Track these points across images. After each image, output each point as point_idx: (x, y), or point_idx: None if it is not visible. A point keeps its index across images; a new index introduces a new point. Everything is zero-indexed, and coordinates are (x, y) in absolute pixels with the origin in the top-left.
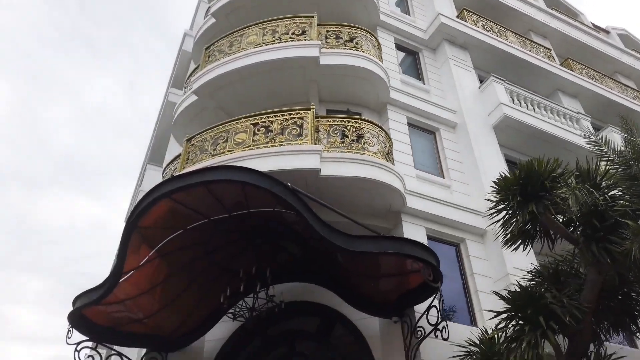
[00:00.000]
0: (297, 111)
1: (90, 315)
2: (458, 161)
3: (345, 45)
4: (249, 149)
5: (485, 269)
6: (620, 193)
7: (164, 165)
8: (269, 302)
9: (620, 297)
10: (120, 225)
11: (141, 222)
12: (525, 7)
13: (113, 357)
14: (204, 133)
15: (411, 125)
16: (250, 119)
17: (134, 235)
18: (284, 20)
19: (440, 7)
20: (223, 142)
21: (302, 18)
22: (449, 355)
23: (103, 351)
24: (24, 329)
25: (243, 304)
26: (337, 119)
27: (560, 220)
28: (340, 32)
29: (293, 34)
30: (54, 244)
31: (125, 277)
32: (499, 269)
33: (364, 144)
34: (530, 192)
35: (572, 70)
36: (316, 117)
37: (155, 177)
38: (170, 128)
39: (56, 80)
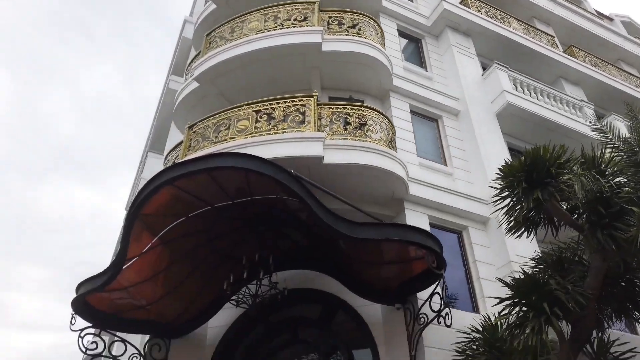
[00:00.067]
0: (300, 98)
1: (94, 302)
2: (461, 149)
3: (348, 32)
4: (252, 136)
5: (488, 256)
6: (625, 180)
7: (166, 153)
8: (272, 289)
9: (623, 283)
10: (120, 214)
11: (144, 210)
12: None
13: (116, 343)
14: (205, 120)
15: (414, 112)
16: (253, 105)
17: (136, 222)
18: (285, 6)
19: None
20: (225, 130)
21: (304, 4)
22: (451, 341)
23: (106, 337)
24: (24, 317)
25: (246, 290)
26: (340, 106)
27: (565, 207)
28: (343, 18)
29: (295, 20)
30: (54, 232)
31: (128, 264)
32: (501, 256)
33: (366, 131)
34: (535, 179)
35: (575, 58)
36: (319, 104)
37: (156, 165)
38: (171, 116)
39: (54, 69)
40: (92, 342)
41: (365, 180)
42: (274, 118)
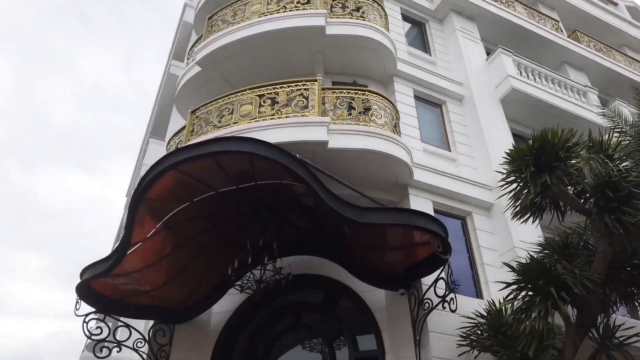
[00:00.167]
0: (304, 82)
1: (98, 287)
2: (465, 134)
3: (352, 15)
4: (255, 121)
5: (492, 242)
6: (633, 164)
7: (168, 138)
8: (276, 275)
9: (629, 268)
10: (119, 201)
11: (148, 194)
12: None
13: (120, 328)
14: (208, 105)
15: (418, 98)
16: (256, 90)
17: (141, 207)
18: None
19: None
20: (228, 114)
21: None
22: (456, 326)
23: (110, 323)
24: (23, 305)
25: (250, 276)
26: (344, 91)
27: (571, 192)
28: (347, 1)
29: (298, 2)
30: (52, 220)
31: (132, 249)
32: (505, 242)
33: (371, 116)
34: (544, 163)
35: (579, 43)
36: (323, 89)
37: (157, 151)
38: (172, 101)
39: (51, 55)
40: (97, 328)
41: (370, 166)
42: (277, 102)
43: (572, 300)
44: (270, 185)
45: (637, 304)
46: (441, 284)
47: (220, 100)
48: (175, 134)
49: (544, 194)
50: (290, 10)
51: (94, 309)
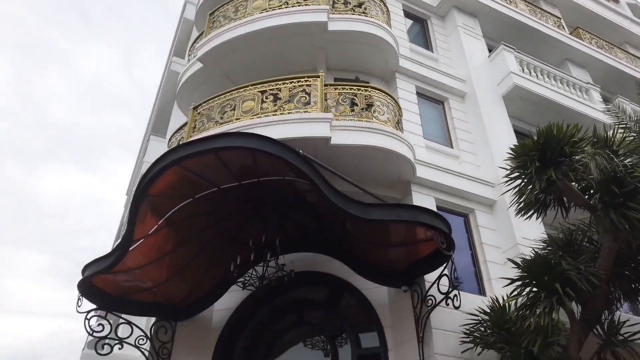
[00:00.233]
0: (306, 79)
1: (100, 284)
2: (467, 131)
3: (354, 11)
4: (257, 117)
5: (495, 239)
6: (638, 160)
7: (169, 135)
8: (278, 272)
9: (633, 264)
10: (119, 200)
11: (150, 191)
12: None
13: (122, 325)
14: (210, 101)
15: (420, 94)
16: (258, 86)
17: (143, 203)
18: None
19: None
20: (230, 110)
21: None
22: (459, 323)
23: (112, 320)
24: (23, 304)
25: (253, 273)
26: (347, 87)
27: (576, 188)
28: None
29: None
30: (52, 218)
31: (134, 246)
32: (508, 239)
33: (373, 112)
34: (549, 158)
35: (581, 40)
36: (325, 85)
37: (158, 148)
38: (173, 98)
39: (51, 54)
40: (98, 325)
41: (372, 162)
42: (280, 99)
43: (577, 296)
44: (272, 181)
45: None
46: (444, 281)
47: (222, 96)
48: (177, 131)
49: (549, 190)
50: (292, 6)
51: (95, 306)
